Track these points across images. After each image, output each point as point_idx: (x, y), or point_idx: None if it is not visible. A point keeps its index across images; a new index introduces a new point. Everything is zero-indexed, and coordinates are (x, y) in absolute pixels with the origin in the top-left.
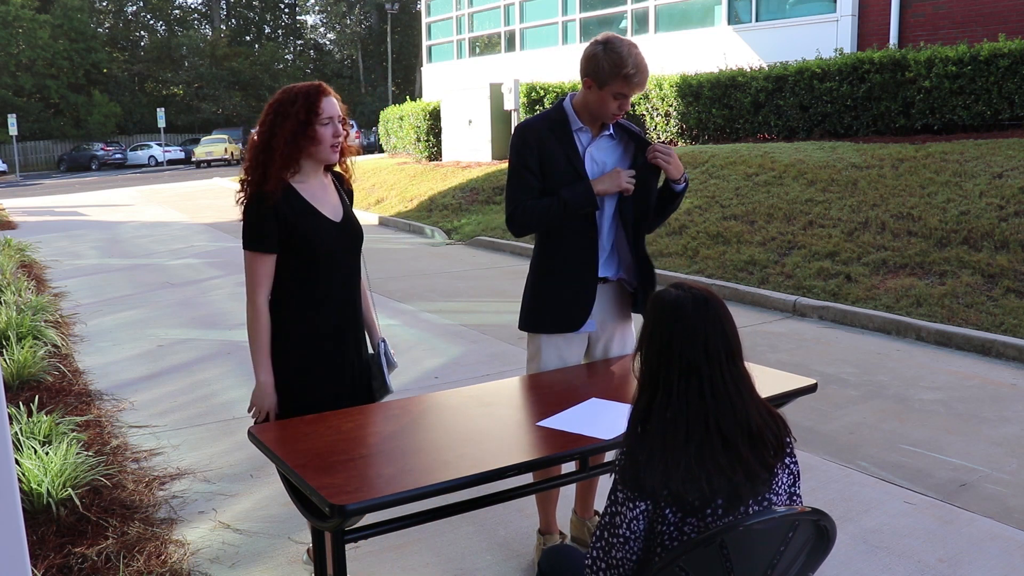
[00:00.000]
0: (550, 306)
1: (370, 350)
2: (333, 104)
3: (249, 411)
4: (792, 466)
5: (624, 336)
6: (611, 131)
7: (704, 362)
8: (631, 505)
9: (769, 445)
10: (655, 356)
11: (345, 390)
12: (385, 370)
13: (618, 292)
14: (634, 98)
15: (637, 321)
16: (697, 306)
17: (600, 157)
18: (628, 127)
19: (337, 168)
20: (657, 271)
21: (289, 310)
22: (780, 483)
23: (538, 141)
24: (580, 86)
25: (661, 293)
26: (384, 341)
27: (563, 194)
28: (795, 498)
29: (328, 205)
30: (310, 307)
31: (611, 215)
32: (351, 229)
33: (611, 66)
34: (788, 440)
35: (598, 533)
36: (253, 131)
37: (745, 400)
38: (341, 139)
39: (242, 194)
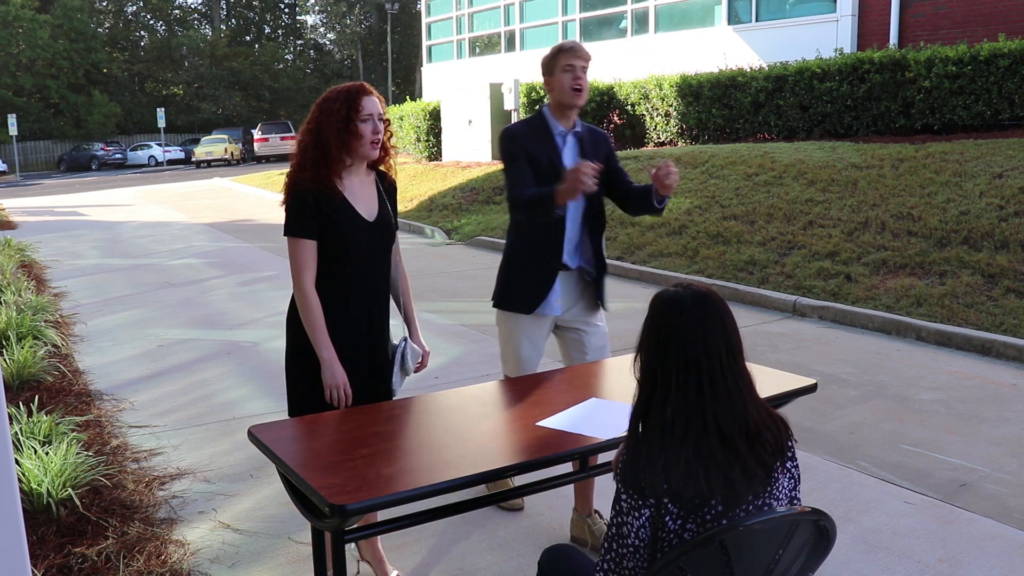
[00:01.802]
0: (515, 288)
1: (394, 342)
2: (374, 103)
3: (328, 399)
4: (793, 469)
5: (591, 320)
6: (579, 129)
7: (703, 357)
8: (636, 513)
9: (767, 445)
10: (654, 352)
11: (363, 384)
12: (396, 371)
13: (579, 279)
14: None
15: (611, 317)
16: (696, 302)
17: (577, 159)
18: (593, 129)
19: (382, 167)
20: (657, 271)
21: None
22: (780, 487)
23: (523, 144)
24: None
25: (661, 292)
26: (406, 340)
27: (530, 194)
28: (795, 502)
29: (364, 203)
30: (337, 300)
31: (580, 212)
32: (383, 229)
33: (551, 53)
34: (789, 443)
35: (607, 545)
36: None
37: (744, 397)
38: (380, 136)
39: (286, 185)
